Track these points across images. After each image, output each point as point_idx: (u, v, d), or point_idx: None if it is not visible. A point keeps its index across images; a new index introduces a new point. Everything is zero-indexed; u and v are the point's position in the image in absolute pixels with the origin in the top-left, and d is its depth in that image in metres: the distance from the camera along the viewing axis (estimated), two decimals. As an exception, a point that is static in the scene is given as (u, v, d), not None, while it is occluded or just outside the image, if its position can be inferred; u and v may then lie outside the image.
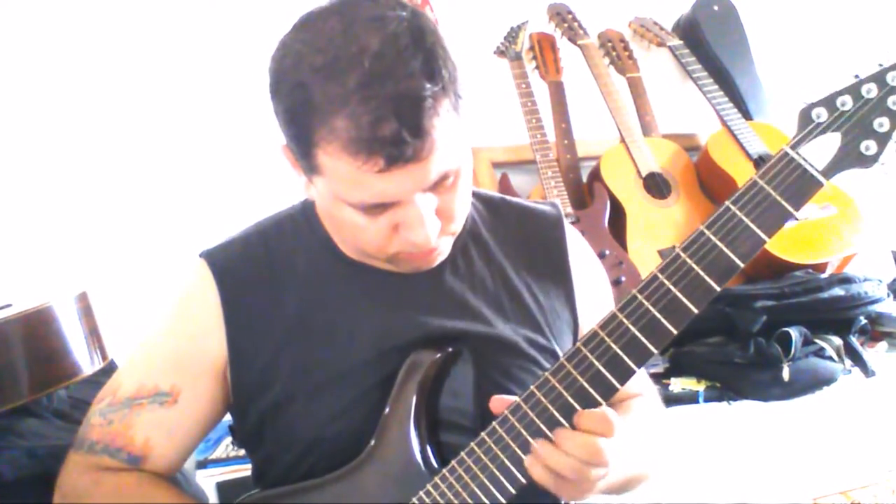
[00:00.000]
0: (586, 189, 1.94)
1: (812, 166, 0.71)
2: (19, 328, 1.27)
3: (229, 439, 1.51)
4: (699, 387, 1.61)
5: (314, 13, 0.77)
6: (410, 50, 0.72)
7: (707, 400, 1.59)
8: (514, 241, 0.97)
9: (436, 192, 0.79)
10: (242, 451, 1.42)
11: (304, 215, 0.95)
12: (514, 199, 1.02)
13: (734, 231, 0.72)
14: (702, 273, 0.73)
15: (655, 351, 0.75)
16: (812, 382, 1.63)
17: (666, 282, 0.74)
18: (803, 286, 1.71)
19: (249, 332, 0.89)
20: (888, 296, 1.75)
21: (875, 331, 1.76)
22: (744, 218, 0.72)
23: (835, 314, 1.70)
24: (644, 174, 1.91)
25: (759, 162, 1.91)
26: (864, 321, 1.73)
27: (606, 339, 0.75)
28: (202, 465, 1.47)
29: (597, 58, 2.01)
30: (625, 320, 0.75)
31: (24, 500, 1.13)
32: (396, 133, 0.71)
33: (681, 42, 2.07)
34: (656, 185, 1.92)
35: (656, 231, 1.86)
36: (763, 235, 0.72)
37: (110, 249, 1.70)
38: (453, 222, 0.83)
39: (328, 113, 0.73)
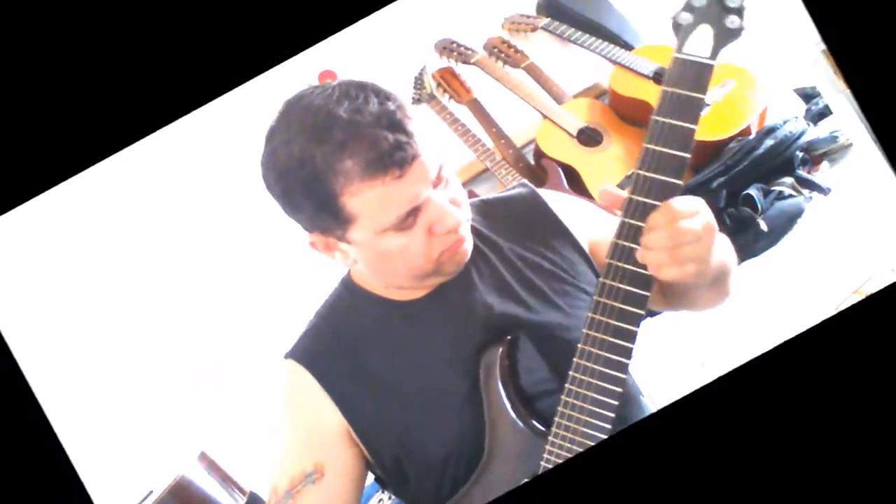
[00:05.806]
0: (538, 168, 2.06)
1: (699, 56, 0.77)
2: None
3: (379, 494, 1.62)
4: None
5: (272, 127, 0.88)
6: (360, 92, 0.85)
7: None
8: (511, 229, 1.04)
9: (438, 187, 0.89)
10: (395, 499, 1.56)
11: (347, 289, 1.04)
12: (490, 196, 1.10)
13: (667, 134, 0.79)
14: (662, 177, 0.79)
15: None
16: (787, 221, 1.78)
17: (639, 197, 0.80)
18: (740, 152, 1.84)
19: (350, 392, 0.97)
20: (808, 125, 1.88)
21: (813, 157, 1.88)
22: (670, 121, 0.78)
23: (775, 161, 1.83)
24: (575, 133, 2.03)
25: (656, 76, 2.01)
26: (801, 154, 1.85)
27: (622, 241, 0.83)
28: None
29: (492, 65, 2.15)
30: (629, 220, 0.82)
31: None
32: (394, 141, 0.83)
33: (549, 19, 2.18)
34: (590, 137, 2.03)
35: (609, 172, 1.96)
36: (690, 126, 0.79)
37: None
38: (461, 207, 0.93)
39: (335, 163, 0.83)
